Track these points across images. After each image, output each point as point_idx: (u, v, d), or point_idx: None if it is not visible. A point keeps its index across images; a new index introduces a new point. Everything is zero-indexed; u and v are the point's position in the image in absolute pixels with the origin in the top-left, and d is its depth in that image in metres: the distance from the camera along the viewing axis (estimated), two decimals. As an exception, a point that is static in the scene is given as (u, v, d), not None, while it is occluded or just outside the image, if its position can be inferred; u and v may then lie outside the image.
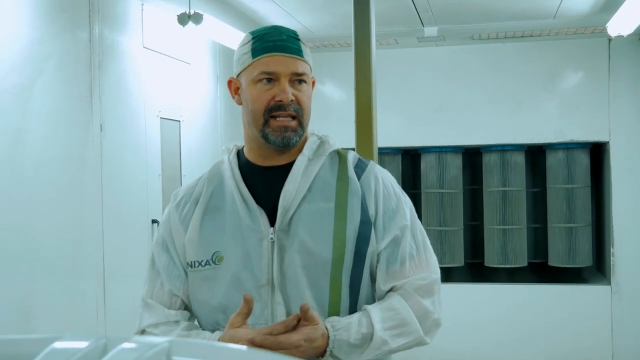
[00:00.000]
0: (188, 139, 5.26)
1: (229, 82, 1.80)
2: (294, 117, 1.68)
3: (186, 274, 1.76)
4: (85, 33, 4.03)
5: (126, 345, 0.69)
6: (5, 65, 3.37)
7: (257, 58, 1.69)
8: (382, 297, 1.72)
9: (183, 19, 4.58)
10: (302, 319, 1.54)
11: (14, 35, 3.45)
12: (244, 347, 0.74)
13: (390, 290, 1.72)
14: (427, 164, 6.77)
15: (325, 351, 1.55)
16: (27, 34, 3.53)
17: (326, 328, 1.57)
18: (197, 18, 4.56)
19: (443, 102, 6.48)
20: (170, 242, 1.79)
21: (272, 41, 1.70)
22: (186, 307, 1.78)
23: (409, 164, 7.13)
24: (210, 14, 4.69)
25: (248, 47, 1.72)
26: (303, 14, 5.07)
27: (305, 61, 1.71)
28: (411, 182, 7.08)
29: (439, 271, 1.80)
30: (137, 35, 4.62)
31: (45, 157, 3.62)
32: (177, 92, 5.12)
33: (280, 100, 1.66)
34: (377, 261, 1.72)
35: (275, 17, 5.01)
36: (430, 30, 5.62)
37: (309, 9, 4.92)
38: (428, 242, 1.82)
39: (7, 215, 3.33)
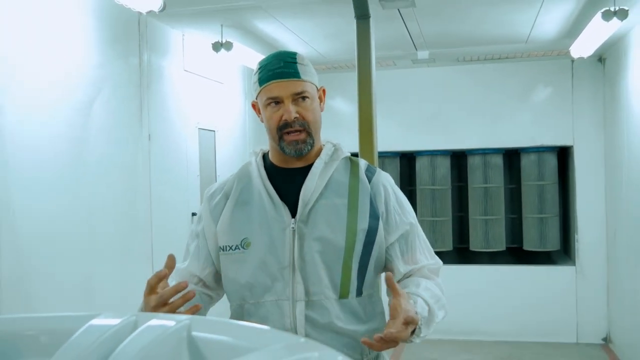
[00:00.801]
0: (222, 146, 5.27)
1: (253, 105, 1.80)
2: (302, 130, 1.68)
3: (212, 258, 1.77)
4: (135, 59, 4.04)
5: (153, 321, 0.68)
6: (71, 86, 3.39)
7: (263, 86, 1.69)
8: (399, 280, 1.71)
9: (216, 46, 4.59)
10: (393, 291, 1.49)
11: (80, 60, 3.48)
12: (262, 326, 0.74)
13: (408, 273, 1.72)
14: (421, 165, 6.77)
15: (413, 330, 1.50)
16: (88, 59, 3.56)
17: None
18: (228, 46, 4.58)
19: (434, 113, 6.48)
20: (201, 230, 1.79)
21: (272, 70, 1.68)
22: (205, 284, 1.77)
23: (406, 165, 7.12)
24: (240, 42, 4.71)
25: (256, 77, 1.72)
26: (317, 42, 5.07)
27: (304, 80, 1.69)
28: (408, 180, 7.08)
29: (440, 259, 1.82)
30: (179, 60, 4.64)
31: (103, 163, 3.64)
32: (213, 107, 5.14)
33: (286, 120, 1.66)
34: (390, 252, 1.72)
35: (293, 44, 5.02)
36: (423, 54, 5.61)
37: (322, 38, 4.92)
38: (425, 237, 1.83)
39: (72, 212, 3.35)
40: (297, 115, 1.67)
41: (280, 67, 1.68)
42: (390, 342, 1.43)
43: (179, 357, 0.67)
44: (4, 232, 2.84)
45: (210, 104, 5.11)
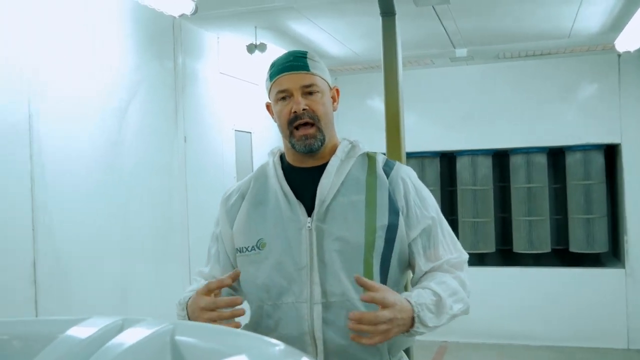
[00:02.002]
0: (258, 147, 5.30)
1: (267, 106, 1.81)
2: (312, 125, 1.67)
3: (230, 260, 1.77)
4: (170, 62, 4.09)
5: (137, 325, 0.68)
6: (107, 90, 3.45)
7: (273, 81, 1.71)
8: (420, 277, 1.69)
9: (251, 48, 4.62)
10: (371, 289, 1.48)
11: (116, 64, 3.54)
12: (243, 332, 0.73)
13: (429, 270, 1.69)
14: (461, 165, 6.69)
15: (413, 319, 1.49)
16: (125, 63, 3.62)
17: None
18: (262, 47, 4.60)
19: (474, 112, 6.41)
20: (219, 233, 1.80)
21: (281, 64, 1.71)
22: (230, 286, 1.77)
23: (446, 165, 7.05)
24: (273, 43, 4.73)
25: (268, 74, 1.75)
26: (351, 41, 5.05)
27: (313, 74, 1.70)
28: (448, 181, 7.01)
29: (465, 252, 1.77)
30: (214, 62, 4.68)
31: (139, 165, 3.69)
32: (248, 108, 5.17)
33: (295, 112, 1.66)
34: (412, 248, 1.69)
35: (328, 44, 5.01)
36: (461, 52, 5.55)
37: (356, 37, 4.90)
38: (450, 230, 1.79)
39: (108, 213, 3.41)
40: (307, 108, 1.66)
41: (289, 62, 1.70)
42: (366, 325, 1.43)
43: (161, 360, 0.66)
44: (41, 234, 2.91)
45: (246, 105, 5.14)
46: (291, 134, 1.68)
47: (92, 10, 3.35)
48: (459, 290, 1.63)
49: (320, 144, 1.69)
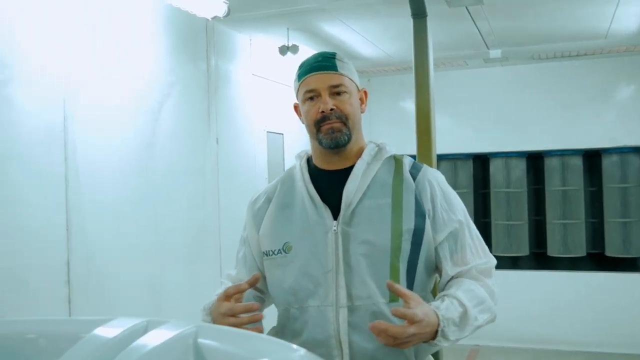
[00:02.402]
0: (290, 148, 5.31)
1: (295, 107, 1.81)
2: (337, 122, 1.67)
3: (257, 264, 1.78)
4: (203, 64, 4.12)
5: (162, 327, 0.69)
6: (141, 92, 3.49)
7: (301, 80, 1.71)
8: (447, 282, 1.67)
9: (283, 50, 4.63)
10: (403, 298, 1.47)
11: (150, 66, 3.58)
12: (266, 337, 0.73)
13: (456, 275, 1.66)
14: (495, 167, 6.62)
15: (437, 332, 1.48)
16: (158, 65, 3.65)
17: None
18: (294, 49, 4.61)
19: (508, 113, 6.33)
20: (246, 237, 1.81)
21: (310, 64, 1.71)
22: (256, 289, 1.77)
23: (480, 167, 6.97)
24: (306, 45, 4.73)
25: (296, 74, 1.75)
26: (384, 43, 5.03)
27: (341, 74, 1.69)
28: (481, 183, 6.93)
29: (494, 258, 1.75)
30: (246, 64, 4.70)
31: (172, 166, 3.73)
32: (280, 110, 5.17)
33: (323, 112, 1.66)
34: (439, 252, 1.67)
35: (360, 45, 5.00)
36: (495, 53, 5.49)
37: (388, 38, 4.88)
38: (479, 234, 1.76)
39: (141, 214, 3.44)
40: (334, 107, 1.66)
41: (318, 62, 1.70)
42: (386, 336, 1.42)
43: (184, 363, 0.66)
44: (75, 235, 2.95)
45: (278, 107, 5.14)
46: (318, 131, 1.68)
47: (126, 13, 3.39)
48: (486, 300, 1.61)
49: (347, 139, 1.68)
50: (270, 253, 1.70)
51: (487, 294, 1.61)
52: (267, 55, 4.92)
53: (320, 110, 1.66)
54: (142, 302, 3.41)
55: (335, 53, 1.74)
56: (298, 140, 5.44)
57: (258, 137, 4.82)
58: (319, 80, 1.67)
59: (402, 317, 1.44)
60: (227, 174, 4.30)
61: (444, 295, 1.58)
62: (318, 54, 1.75)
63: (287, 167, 5.54)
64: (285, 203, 1.73)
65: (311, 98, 1.69)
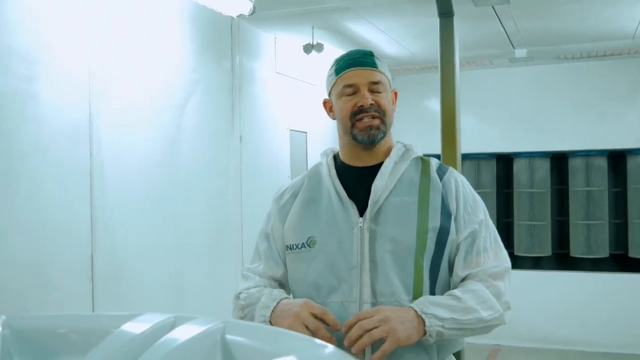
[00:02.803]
0: (313, 147, 5.31)
1: (324, 103, 1.80)
2: (377, 117, 1.67)
3: (281, 258, 1.77)
4: (228, 62, 4.14)
5: (190, 323, 0.69)
6: (167, 89, 3.51)
7: (340, 75, 1.71)
8: (457, 283, 1.66)
9: (307, 48, 4.63)
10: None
11: (175, 64, 3.60)
12: (295, 333, 0.72)
13: (467, 277, 1.66)
14: (518, 167, 6.58)
15: (421, 319, 1.50)
16: (184, 63, 3.67)
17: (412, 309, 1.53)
18: (319, 47, 4.61)
19: (533, 113, 6.29)
20: (270, 230, 1.80)
21: (350, 59, 1.71)
22: (281, 284, 1.78)
23: (503, 167, 6.93)
24: (330, 44, 4.73)
25: (333, 69, 1.74)
26: (408, 41, 5.01)
27: (380, 72, 1.71)
28: (505, 183, 6.89)
29: (509, 261, 1.73)
30: (271, 62, 4.71)
31: (196, 163, 3.74)
32: (304, 108, 5.18)
33: (362, 106, 1.66)
34: (456, 251, 1.67)
35: (385, 44, 4.98)
36: (521, 52, 5.45)
37: (413, 37, 4.86)
38: (499, 238, 1.74)
39: (164, 211, 3.46)
40: (373, 102, 1.67)
41: (357, 57, 1.71)
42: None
43: (212, 359, 0.66)
44: (99, 231, 2.98)
45: (302, 105, 5.15)
46: (353, 126, 1.68)
47: (152, 10, 3.41)
48: (489, 299, 1.59)
49: (382, 135, 1.69)
50: (294, 247, 1.70)
51: (491, 295, 1.60)
52: (292, 54, 4.93)
53: (358, 105, 1.67)
54: (164, 299, 3.43)
55: (372, 51, 1.75)
56: (321, 139, 5.45)
57: (281, 135, 4.83)
58: (359, 75, 1.68)
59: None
60: (250, 172, 4.31)
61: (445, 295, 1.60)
62: (355, 50, 1.75)
63: (310, 165, 5.55)
64: (311, 198, 1.73)
65: (349, 93, 1.69)
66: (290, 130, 4.96)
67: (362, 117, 1.66)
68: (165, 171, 3.48)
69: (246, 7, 3.56)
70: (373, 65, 1.70)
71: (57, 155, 2.78)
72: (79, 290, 2.87)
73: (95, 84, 2.98)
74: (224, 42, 4.12)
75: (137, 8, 3.29)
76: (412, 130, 5.78)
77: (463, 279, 1.66)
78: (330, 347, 0.65)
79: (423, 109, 6.50)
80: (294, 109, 5.03)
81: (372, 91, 1.68)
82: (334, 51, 4.82)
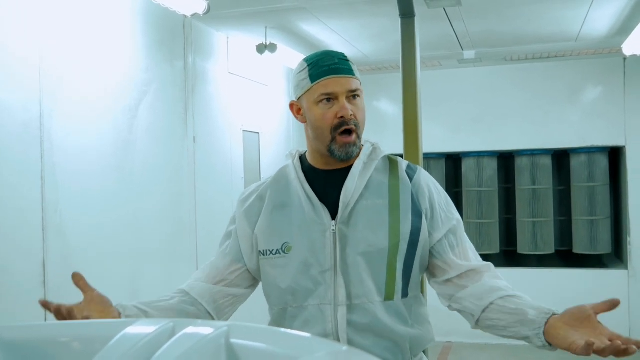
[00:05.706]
0: (266, 147, 5.28)
1: (291, 105, 1.75)
2: (353, 132, 1.64)
3: (242, 258, 1.73)
4: (180, 62, 4.07)
5: (191, 328, 0.66)
6: (118, 89, 3.42)
7: (316, 82, 1.64)
8: (460, 273, 1.65)
9: (261, 48, 4.60)
10: None
11: (127, 63, 3.51)
12: (303, 334, 0.71)
13: (476, 269, 1.65)
14: (467, 166, 6.68)
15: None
16: (135, 63, 3.59)
17: None
18: (272, 47, 4.58)
19: (481, 114, 6.39)
20: (233, 231, 1.76)
21: (326, 66, 1.65)
22: (229, 284, 1.73)
23: (452, 166, 7.04)
24: (284, 44, 4.71)
25: (305, 74, 1.67)
26: (361, 43, 5.03)
27: (357, 79, 1.67)
28: (454, 182, 6.99)
29: None
30: (223, 62, 4.65)
31: (150, 164, 3.66)
32: (257, 109, 5.14)
33: (342, 117, 1.62)
34: (438, 249, 1.67)
35: (337, 45, 4.99)
36: (469, 54, 5.53)
37: (366, 38, 4.88)
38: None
39: (118, 212, 3.38)
40: (352, 114, 1.63)
41: (335, 64, 1.65)
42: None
43: (217, 364, 0.64)
44: (50, 233, 2.88)
45: (255, 106, 5.11)
46: (333, 140, 1.64)
47: (103, 8, 3.33)
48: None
49: (357, 150, 1.68)
50: (268, 253, 1.67)
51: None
52: (245, 54, 4.89)
53: (339, 116, 1.62)
54: (119, 301, 3.34)
55: (344, 54, 1.70)
56: (274, 139, 5.42)
57: (235, 136, 4.78)
58: (339, 84, 1.63)
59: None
60: (203, 172, 4.26)
61: (509, 296, 1.66)
62: (329, 54, 1.69)
63: (263, 165, 5.52)
64: (282, 203, 1.70)
65: (327, 100, 1.63)
66: (244, 130, 4.92)
67: (343, 131, 1.63)
68: (119, 173, 3.40)
69: (201, 6, 3.51)
70: (351, 72, 1.66)
71: (7, 157, 2.68)
72: (31, 296, 2.76)
73: (45, 83, 2.88)
74: (177, 42, 4.05)
75: (88, 6, 3.20)
76: (364, 131, 5.80)
77: (467, 271, 1.66)
78: (343, 347, 0.63)
79: (373, 110, 6.53)
80: (247, 110, 4.98)
81: (349, 99, 1.64)
82: (287, 51, 4.81)
